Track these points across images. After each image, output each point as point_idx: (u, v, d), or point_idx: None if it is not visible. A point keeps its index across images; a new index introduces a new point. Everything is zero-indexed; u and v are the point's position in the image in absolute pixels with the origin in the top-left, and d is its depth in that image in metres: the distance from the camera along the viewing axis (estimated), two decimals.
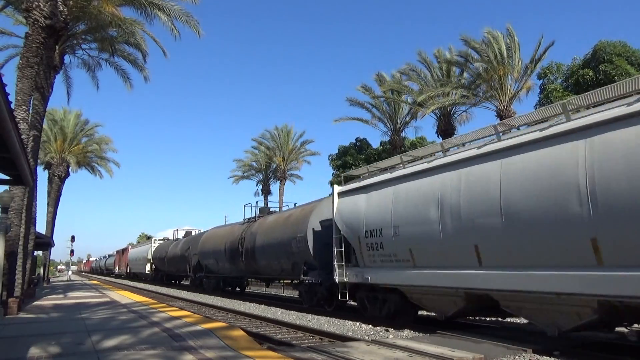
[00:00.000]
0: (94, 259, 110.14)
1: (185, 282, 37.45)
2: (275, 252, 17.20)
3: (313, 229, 14.93)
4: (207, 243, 25.32)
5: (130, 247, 57.34)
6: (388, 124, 33.69)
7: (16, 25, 21.39)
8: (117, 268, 61.25)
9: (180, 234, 37.98)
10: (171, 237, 41.85)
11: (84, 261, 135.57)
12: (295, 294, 21.14)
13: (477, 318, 13.02)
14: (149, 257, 41.44)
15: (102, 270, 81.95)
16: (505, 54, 25.18)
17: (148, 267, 41.81)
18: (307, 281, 15.22)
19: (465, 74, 28.76)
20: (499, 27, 26.68)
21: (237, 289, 25.96)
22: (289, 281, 20.58)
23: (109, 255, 79.02)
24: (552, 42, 24.96)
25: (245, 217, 22.75)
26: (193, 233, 36.78)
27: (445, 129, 29.60)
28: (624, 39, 29.71)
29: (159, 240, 43.27)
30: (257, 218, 20.84)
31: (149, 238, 65.90)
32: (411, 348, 7.54)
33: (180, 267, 31.86)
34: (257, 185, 49.39)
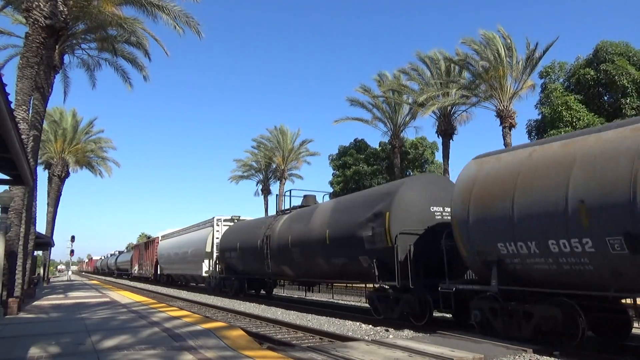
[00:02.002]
0: (99, 258, 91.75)
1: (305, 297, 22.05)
2: None
3: None
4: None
5: (161, 237, 37.46)
6: (388, 124, 33.72)
7: (16, 25, 21.42)
8: (135, 268, 45.59)
9: (297, 202, 19.26)
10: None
11: (86, 261, 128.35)
12: None
13: None
14: (209, 249, 25.03)
15: (111, 271, 66.63)
16: (504, 54, 25.21)
17: (206, 266, 25.33)
18: None
19: (465, 74, 28.81)
20: (503, 24, 26.86)
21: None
22: None
23: (120, 252, 65.35)
24: (554, 42, 25.03)
25: None
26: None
27: (446, 129, 29.64)
28: (629, 40, 29.86)
29: (224, 221, 25.46)
30: None
31: (148, 238, 59.69)
32: (411, 348, 7.54)
33: (335, 265, 13.66)
34: (257, 185, 49.44)
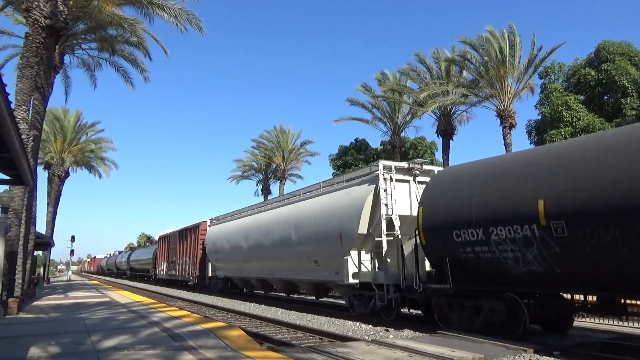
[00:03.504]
0: (104, 256, 77.85)
1: None
2: None
3: None
4: None
5: (210, 221, 25.69)
6: (388, 124, 33.70)
7: (16, 25, 21.43)
8: (162, 268, 34.28)
9: None
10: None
11: (87, 260, 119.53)
12: None
13: None
14: (364, 229, 12.33)
15: (121, 272, 55.77)
16: (506, 54, 25.17)
17: (353, 264, 12.63)
18: None
19: (465, 74, 28.78)
20: (504, 24, 26.89)
21: None
22: None
23: (132, 249, 57.13)
24: (559, 45, 25.00)
25: None
26: None
27: (445, 128, 29.59)
28: (631, 40, 29.85)
29: (397, 171, 12.42)
30: None
31: (148, 238, 56.72)
32: (411, 348, 7.53)
33: None
34: (257, 185, 49.36)
